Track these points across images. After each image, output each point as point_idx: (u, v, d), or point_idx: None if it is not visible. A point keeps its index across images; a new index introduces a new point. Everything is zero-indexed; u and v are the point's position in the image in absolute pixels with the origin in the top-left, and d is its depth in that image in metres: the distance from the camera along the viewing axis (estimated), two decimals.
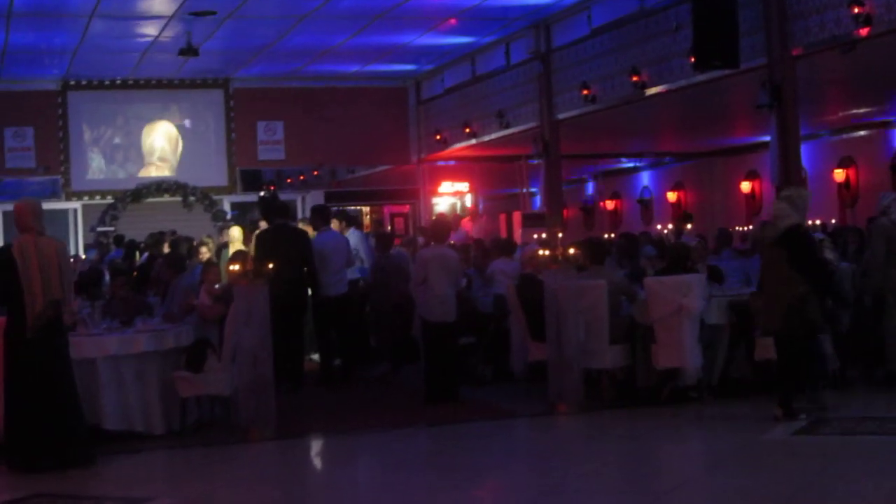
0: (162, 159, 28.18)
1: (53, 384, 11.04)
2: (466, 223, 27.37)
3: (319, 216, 17.35)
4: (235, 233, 19.85)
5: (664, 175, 33.65)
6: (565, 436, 12.69)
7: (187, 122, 28.38)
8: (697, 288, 13.15)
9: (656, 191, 33.80)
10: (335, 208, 20.38)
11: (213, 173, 28.39)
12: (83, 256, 23.96)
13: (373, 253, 18.52)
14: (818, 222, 21.61)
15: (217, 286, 14.67)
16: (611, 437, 12.38)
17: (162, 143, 28.24)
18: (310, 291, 16.36)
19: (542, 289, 13.49)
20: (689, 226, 21.01)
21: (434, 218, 24.37)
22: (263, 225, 17.99)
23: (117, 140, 27.98)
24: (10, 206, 27.22)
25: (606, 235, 28.06)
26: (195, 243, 19.36)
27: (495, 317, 15.96)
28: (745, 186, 29.72)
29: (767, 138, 18.00)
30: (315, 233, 17.10)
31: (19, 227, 11.24)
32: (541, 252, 14.33)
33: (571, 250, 13.58)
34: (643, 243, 18.19)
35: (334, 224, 17.74)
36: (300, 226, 18.62)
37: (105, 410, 12.20)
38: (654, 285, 13.31)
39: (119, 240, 24.35)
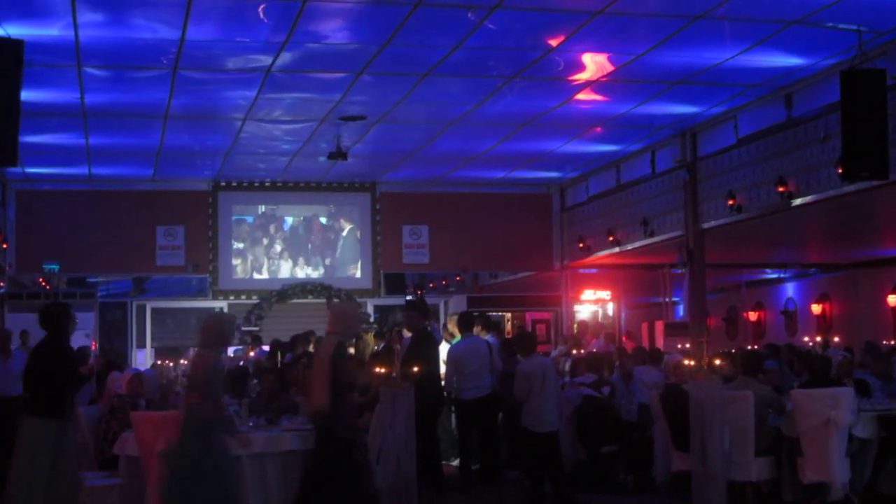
0: (307, 260, 28.53)
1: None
2: (626, 338, 27.14)
3: (461, 322, 17.57)
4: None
5: (809, 286, 33.23)
6: None
7: (333, 225, 28.72)
8: (846, 401, 12.99)
9: (801, 302, 33.38)
10: (475, 313, 20.47)
11: (358, 276, 28.69)
12: (231, 354, 24.32)
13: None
14: None
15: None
16: None
17: (307, 244, 28.62)
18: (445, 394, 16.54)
19: (686, 399, 13.41)
20: (836, 338, 20.76)
21: (518, 331, 24.44)
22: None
23: (264, 241, 28.41)
24: (158, 303, 28.50)
25: (750, 346, 27.73)
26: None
27: (639, 425, 15.90)
28: (893, 299, 29.22)
29: None
30: (459, 337, 17.32)
31: None
32: (686, 362, 14.29)
33: (717, 360, 13.53)
34: (782, 356, 18.03)
35: (476, 329, 17.87)
36: (449, 327, 18.90)
37: None
38: (802, 397, 13.16)
39: (257, 340, 24.76)
